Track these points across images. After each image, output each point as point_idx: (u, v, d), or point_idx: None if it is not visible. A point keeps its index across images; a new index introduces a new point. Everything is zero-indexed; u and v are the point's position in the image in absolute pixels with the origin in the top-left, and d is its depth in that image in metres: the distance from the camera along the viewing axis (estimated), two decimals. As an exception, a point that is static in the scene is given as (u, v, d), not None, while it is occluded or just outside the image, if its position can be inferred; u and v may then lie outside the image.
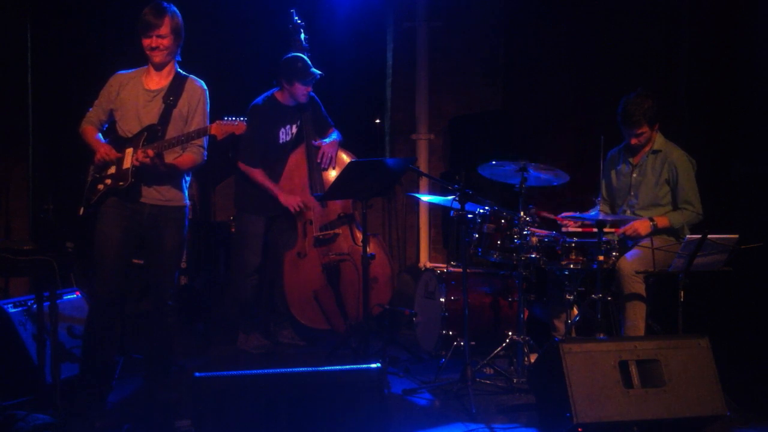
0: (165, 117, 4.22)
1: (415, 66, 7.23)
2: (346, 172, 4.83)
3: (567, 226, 5.04)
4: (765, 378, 4.79)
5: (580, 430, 3.68)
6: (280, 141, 5.60)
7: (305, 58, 5.50)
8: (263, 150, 5.53)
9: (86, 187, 4.29)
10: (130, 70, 4.37)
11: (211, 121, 4.26)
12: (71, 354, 4.60)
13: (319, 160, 5.61)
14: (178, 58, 4.35)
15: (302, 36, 5.66)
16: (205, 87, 4.36)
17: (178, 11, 4.27)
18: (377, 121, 7.56)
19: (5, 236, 5.94)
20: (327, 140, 5.65)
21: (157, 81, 4.30)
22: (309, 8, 6.00)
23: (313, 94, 5.65)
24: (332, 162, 5.63)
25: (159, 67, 4.30)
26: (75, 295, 4.92)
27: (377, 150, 7.45)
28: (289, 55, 5.52)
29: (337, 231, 5.65)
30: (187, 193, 4.39)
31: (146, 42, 4.22)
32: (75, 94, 6.28)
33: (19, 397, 4.24)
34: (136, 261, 4.62)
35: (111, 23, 6.36)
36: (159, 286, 4.30)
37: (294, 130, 5.63)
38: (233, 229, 6.08)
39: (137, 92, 4.28)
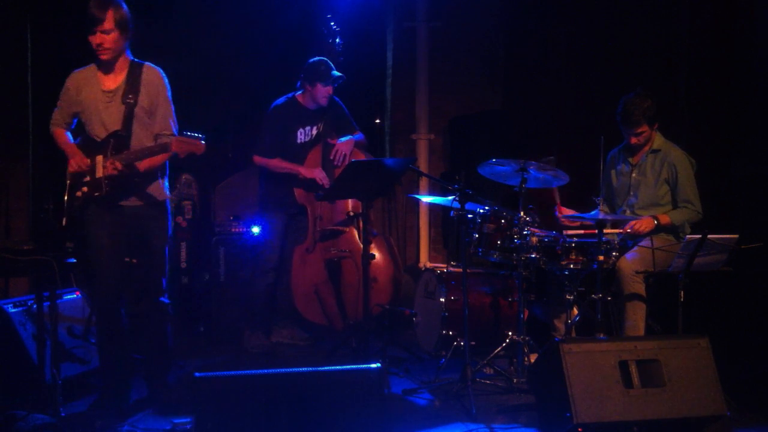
0: (128, 120, 4.17)
1: (415, 66, 7.24)
2: (347, 172, 4.83)
3: (568, 228, 5.04)
4: (765, 378, 4.79)
5: (580, 430, 3.68)
6: (299, 141, 5.66)
7: (328, 61, 5.58)
8: (280, 148, 5.60)
9: (66, 194, 4.27)
10: (84, 68, 4.31)
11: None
12: (71, 354, 4.61)
13: (332, 157, 5.63)
14: (129, 53, 4.26)
15: (337, 41, 5.71)
16: (162, 72, 4.28)
17: (124, 4, 4.16)
18: (377, 121, 7.57)
19: (5, 236, 5.94)
20: (342, 139, 5.67)
21: (114, 78, 4.24)
22: (309, 8, 6.02)
23: (337, 98, 5.70)
24: (345, 159, 5.64)
25: (108, 64, 4.21)
26: (75, 295, 4.92)
27: (377, 150, 7.45)
28: (314, 58, 5.60)
29: (344, 228, 5.67)
30: (167, 185, 4.36)
31: (92, 39, 4.12)
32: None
33: (19, 397, 4.24)
34: (132, 260, 4.62)
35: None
36: (151, 283, 4.32)
37: (314, 132, 5.69)
38: (232, 229, 6.12)
39: (95, 94, 4.23)
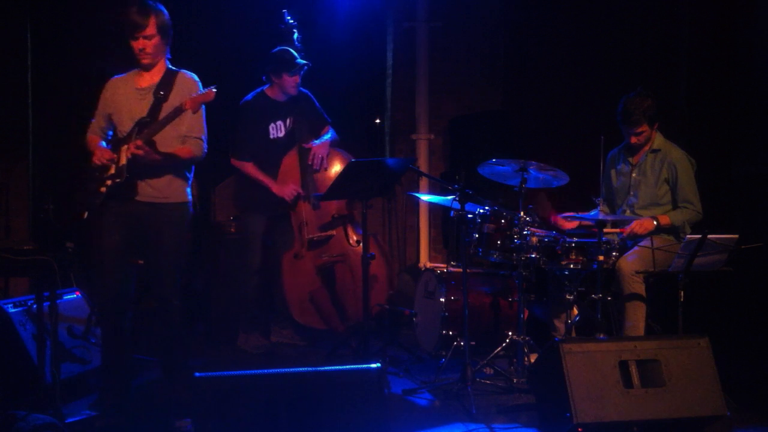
0: (154, 110, 4.19)
1: (415, 66, 7.23)
2: (346, 172, 4.83)
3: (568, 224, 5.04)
4: (765, 378, 4.79)
5: (580, 430, 3.68)
6: (271, 136, 5.62)
7: (291, 50, 5.51)
8: (255, 146, 5.55)
9: (90, 191, 4.28)
10: (123, 74, 4.37)
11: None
12: (71, 354, 4.61)
13: (310, 162, 5.61)
14: (169, 56, 4.33)
15: (295, 36, 5.65)
16: (197, 78, 4.32)
17: (163, 7, 4.23)
18: (377, 121, 7.56)
19: (5, 236, 5.94)
20: (317, 141, 5.65)
21: (148, 78, 4.29)
22: (309, 8, 6.00)
23: (306, 90, 5.66)
24: (323, 163, 5.63)
25: (149, 67, 4.28)
26: (75, 295, 4.92)
27: (377, 150, 7.45)
28: (276, 48, 5.54)
29: (331, 232, 5.65)
30: (189, 191, 4.36)
31: (134, 44, 4.19)
32: (75, 95, 6.29)
33: (19, 397, 4.24)
34: (138, 261, 4.60)
35: (111, 23, 6.35)
36: (161, 286, 4.27)
37: (285, 126, 5.63)
38: (232, 230, 6.09)
39: (129, 93, 4.28)
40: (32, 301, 4.49)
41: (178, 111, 4.10)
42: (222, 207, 6.79)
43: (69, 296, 4.86)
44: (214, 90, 4.07)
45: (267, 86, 5.62)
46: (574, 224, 5.05)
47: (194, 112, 4.13)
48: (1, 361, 4.40)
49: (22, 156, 6.10)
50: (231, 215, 6.34)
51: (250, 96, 5.62)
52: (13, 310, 4.49)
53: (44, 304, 4.15)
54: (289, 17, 5.66)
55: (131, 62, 4.35)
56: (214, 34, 6.70)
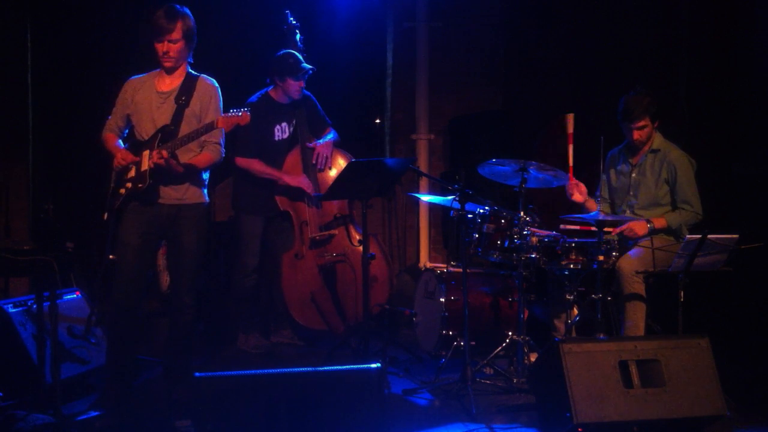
0: (177, 117, 4.28)
1: (415, 66, 7.23)
2: (346, 172, 4.82)
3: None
4: (765, 378, 4.79)
5: (580, 430, 3.68)
6: (276, 138, 5.61)
7: (296, 54, 5.50)
8: (259, 147, 5.54)
9: (109, 192, 4.35)
10: (142, 75, 4.44)
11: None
12: (71, 354, 4.61)
13: (314, 161, 5.61)
14: (190, 60, 4.41)
15: (297, 37, 5.65)
16: (216, 84, 4.42)
17: (191, 14, 4.32)
18: (377, 121, 7.56)
19: (5, 236, 5.94)
20: (321, 141, 5.65)
21: (169, 83, 4.37)
22: (308, 8, 5.99)
23: (308, 93, 5.66)
24: (327, 162, 5.64)
25: (170, 71, 4.36)
26: (75, 295, 4.93)
27: (377, 150, 7.44)
28: (281, 52, 5.53)
29: (333, 232, 5.64)
30: (206, 191, 4.45)
31: (158, 47, 4.27)
32: (75, 94, 6.29)
33: (19, 397, 4.24)
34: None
35: (111, 23, 6.36)
36: (178, 284, 4.38)
37: (289, 128, 5.63)
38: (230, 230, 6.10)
39: (150, 95, 4.35)
40: (32, 301, 4.50)
41: (209, 128, 4.21)
42: (222, 207, 6.78)
43: (69, 296, 4.86)
44: (249, 113, 4.16)
45: (271, 88, 5.61)
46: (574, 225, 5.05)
47: (227, 131, 4.26)
48: (1, 361, 4.40)
49: (22, 156, 6.10)
50: (231, 215, 6.34)
51: (254, 98, 5.61)
52: (13, 310, 4.49)
53: (44, 304, 4.16)
54: (291, 18, 5.66)
55: (134, 60, 4.37)
56: (216, 34, 6.70)
